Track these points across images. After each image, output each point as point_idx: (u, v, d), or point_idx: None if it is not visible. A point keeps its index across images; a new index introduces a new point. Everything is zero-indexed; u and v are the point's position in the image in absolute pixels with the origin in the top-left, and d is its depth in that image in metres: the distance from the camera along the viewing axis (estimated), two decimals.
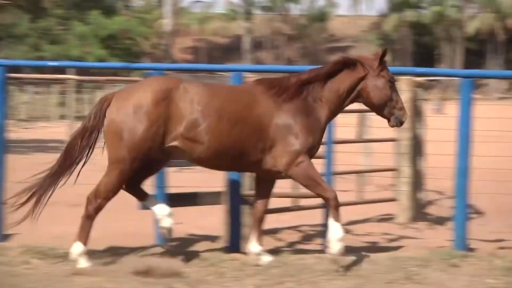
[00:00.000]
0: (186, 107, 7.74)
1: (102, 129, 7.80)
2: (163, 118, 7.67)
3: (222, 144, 7.78)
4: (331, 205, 7.77)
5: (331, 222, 7.78)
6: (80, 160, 7.94)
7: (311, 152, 7.93)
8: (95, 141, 7.95)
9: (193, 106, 7.76)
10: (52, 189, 7.94)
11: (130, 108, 7.66)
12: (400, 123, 8.18)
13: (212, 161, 7.90)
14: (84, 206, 7.78)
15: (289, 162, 7.81)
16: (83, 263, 7.72)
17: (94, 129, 7.86)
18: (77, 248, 7.75)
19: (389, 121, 8.19)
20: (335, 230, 7.74)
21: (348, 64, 8.10)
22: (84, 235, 7.75)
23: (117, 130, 7.67)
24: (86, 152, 7.95)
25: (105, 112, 7.79)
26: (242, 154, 7.84)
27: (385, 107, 8.10)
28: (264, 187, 8.27)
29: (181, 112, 7.72)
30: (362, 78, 8.08)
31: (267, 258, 8.18)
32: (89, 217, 7.76)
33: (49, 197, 7.94)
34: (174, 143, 7.76)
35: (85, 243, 7.75)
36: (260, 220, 8.25)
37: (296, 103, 7.95)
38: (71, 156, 7.93)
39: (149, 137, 7.65)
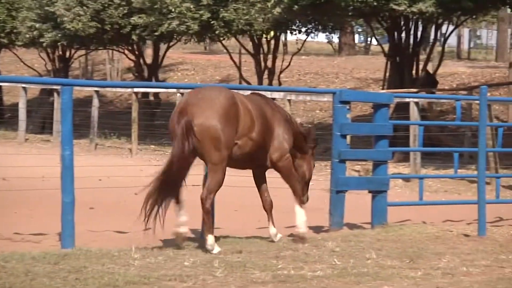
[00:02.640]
0: (244, 111, 9.10)
1: (194, 137, 8.73)
2: (237, 119, 8.96)
3: (260, 143, 9.32)
4: (299, 194, 9.69)
5: (298, 208, 9.68)
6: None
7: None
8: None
9: (247, 111, 9.14)
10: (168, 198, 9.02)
11: (218, 113, 8.78)
12: None
13: (246, 159, 9.36)
14: (201, 205, 8.83)
15: (279, 158, 9.55)
16: (217, 249, 8.80)
17: (188, 138, 8.77)
18: (211, 239, 8.83)
19: None
20: (300, 215, 9.65)
21: None
22: (210, 227, 8.92)
23: (216, 135, 8.76)
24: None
25: (192, 121, 8.73)
26: (264, 152, 9.46)
27: None
28: (261, 182, 9.82)
29: (242, 115, 9.05)
30: None
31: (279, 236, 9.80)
32: (209, 212, 8.88)
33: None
34: (238, 141, 9.06)
35: (212, 233, 8.90)
36: (271, 208, 9.78)
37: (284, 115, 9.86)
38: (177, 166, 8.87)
39: (234, 136, 8.96)
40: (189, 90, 9.60)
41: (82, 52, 35.33)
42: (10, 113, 32.46)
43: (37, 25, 28.49)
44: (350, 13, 22.60)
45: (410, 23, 23.76)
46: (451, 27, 27.71)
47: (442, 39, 27.76)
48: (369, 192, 11.14)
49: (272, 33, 28.14)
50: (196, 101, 8.82)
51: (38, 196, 13.03)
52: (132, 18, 26.05)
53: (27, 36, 29.03)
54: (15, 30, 30.11)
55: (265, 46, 28.52)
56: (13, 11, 30.20)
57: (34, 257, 8.21)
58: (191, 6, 24.56)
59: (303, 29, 28.00)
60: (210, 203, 8.92)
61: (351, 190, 11.10)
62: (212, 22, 24.93)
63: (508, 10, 36.10)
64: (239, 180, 10.58)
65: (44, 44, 29.36)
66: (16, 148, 24.20)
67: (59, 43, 29.58)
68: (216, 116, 8.76)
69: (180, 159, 8.78)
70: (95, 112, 25.47)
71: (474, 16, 26.92)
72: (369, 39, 58.30)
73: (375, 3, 20.26)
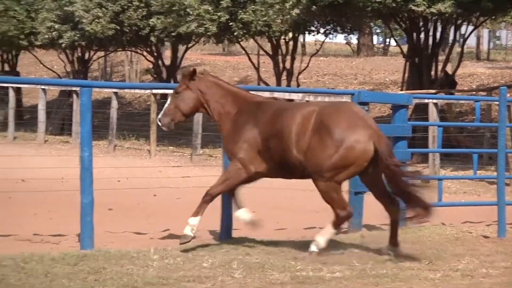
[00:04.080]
0: None
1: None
2: None
3: None
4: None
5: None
6: None
7: None
8: None
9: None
10: None
11: None
12: None
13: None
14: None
15: None
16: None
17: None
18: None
19: None
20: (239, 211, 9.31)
21: None
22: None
23: None
24: None
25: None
26: None
27: None
28: None
29: None
30: None
31: None
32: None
33: None
34: None
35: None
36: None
37: None
38: None
39: None
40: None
41: (101, 53, 35.43)
42: (30, 115, 32.59)
43: (56, 26, 28.61)
44: (368, 14, 22.59)
45: (429, 24, 23.72)
46: (470, 28, 27.58)
47: (461, 39, 27.68)
48: None
49: (290, 34, 28.14)
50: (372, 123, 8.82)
51: (57, 197, 13.07)
52: (151, 20, 26.13)
53: (46, 36, 29.14)
54: (34, 31, 30.24)
55: (283, 47, 28.51)
56: (33, 12, 30.34)
57: (53, 258, 8.24)
58: (210, 8, 24.60)
59: (322, 30, 28.00)
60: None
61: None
62: (230, 24, 24.95)
63: None
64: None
65: (63, 45, 29.49)
66: (36, 149, 24.30)
67: (77, 44, 29.70)
68: None
69: None
70: (113, 113, 25.52)
71: (493, 17, 26.82)
72: (387, 40, 58.15)
73: (393, 4, 20.23)
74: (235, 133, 9.13)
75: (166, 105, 9.43)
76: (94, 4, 26.76)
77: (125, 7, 26.68)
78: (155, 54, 30.76)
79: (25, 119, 32.90)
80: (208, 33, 25.44)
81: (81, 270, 7.74)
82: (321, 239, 8.73)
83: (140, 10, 26.50)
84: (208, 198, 8.92)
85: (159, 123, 9.47)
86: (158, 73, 31.19)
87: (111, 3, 26.65)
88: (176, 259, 8.36)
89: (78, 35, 28.16)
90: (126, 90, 33.71)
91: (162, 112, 9.44)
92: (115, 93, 25.79)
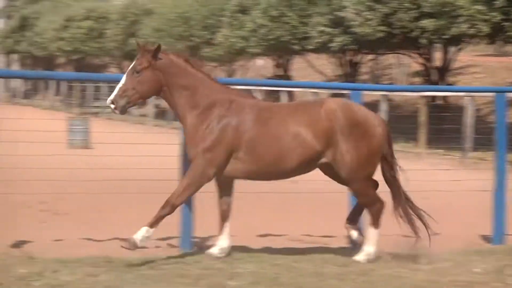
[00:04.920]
0: None
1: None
2: None
3: None
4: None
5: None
6: None
7: None
8: None
9: None
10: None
11: None
12: None
13: None
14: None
15: None
16: None
17: None
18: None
19: None
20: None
21: None
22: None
23: None
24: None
25: None
26: None
27: None
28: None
29: None
30: None
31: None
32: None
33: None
34: None
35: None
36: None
37: None
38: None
39: None
40: (478, 93, 9.40)
41: (370, 56, 35.59)
42: None
43: (328, 30, 29.09)
44: None
45: None
46: None
47: None
48: None
49: None
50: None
51: (326, 198, 13.26)
52: (422, 22, 25.88)
53: (318, 41, 29.70)
54: (306, 36, 30.91)
55: None
56: (305, 18, 31.03)
57: (323, 258, 8.39)
58: (482, 8, 23.99)
59: None
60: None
61: None
62: (503, 24, 24.20)
63: None
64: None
65: (334, 49, 29.92)
66: None
67: (348, 48, 30.03)
68: None
69: None
70: (382, 116, 25.56)
71: None
72: None
73: None
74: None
75: (120, 85, 8.16)
76: (365, 6, 26.93)
77: (396, 9, 26.62)
78: (425, 56, 30.46)
79: None
80: (480, 34, 24.84)
81: (351, 271, 7.83)
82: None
83: (410, 12, 26.32)
84: (168, 209, 8.10)
85: (112, 106, 8.15)
86: (428, 75, 30.87)
87: (381, 5, 26.70)
88: (445, 263, 8.24)
89: (348, 39, 28.48)
90: (395, 93, 33.62)
91: (116, 92, 8.14)
92: (384, 95, 25.84)
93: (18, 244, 9.02)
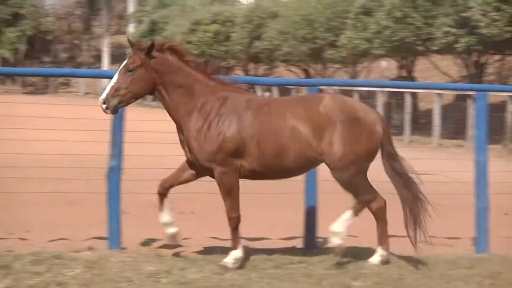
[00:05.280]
0: None
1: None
2: None
3: None
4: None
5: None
6: None
7: None
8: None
9: None
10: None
11: None
12: None
13: None
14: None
15: None
16: None
17: None
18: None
19: None
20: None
21: None
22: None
23: None
24: None
25: None
26: None
27: None
28: None
29: None
30: None
31: None
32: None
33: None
34: None
35: None
36: None
37: None
38: None
39: None
40: None
41: (497, 57, 34.90)
42: (425, 119, 32.99)
43: (453, 31, 28.69)
44: None
45: None
46: None
47: None
48: None
49: None
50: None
51: (452, 200, 13.12)
52: None
53: (442, 41, 29.33)
54: (430, 37, 30.57)
55: None
56: (429, 18, 30.67)
57: (449, 260, 8.33)
58: None
59: None
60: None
61: None
62: None
63: None
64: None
65: (459, 50, 29.49)
66: (429, 152, 24.55)
67: (473, 49, 29.54)
68: None
69: None
70: (509, 117, 25.10)
71: None
72: None
73: None
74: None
75: (112, 83, 7.84)
76: (491, 7, 26.45)
77: None
78: None
79: (420, 123, 33.37)
80: None
81: (477, 273, 7.77)
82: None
83: None
84: (233, 223, 8.05)
85: (103, 106, 7.81)
86: None
87: (508, 5, 26.17)
88: None
89: (474, 40, 28.01)
90: None
91: (108, 91, 7.81)
92: (511, 97, 25.34)
93: (147, 242, 9.30)
